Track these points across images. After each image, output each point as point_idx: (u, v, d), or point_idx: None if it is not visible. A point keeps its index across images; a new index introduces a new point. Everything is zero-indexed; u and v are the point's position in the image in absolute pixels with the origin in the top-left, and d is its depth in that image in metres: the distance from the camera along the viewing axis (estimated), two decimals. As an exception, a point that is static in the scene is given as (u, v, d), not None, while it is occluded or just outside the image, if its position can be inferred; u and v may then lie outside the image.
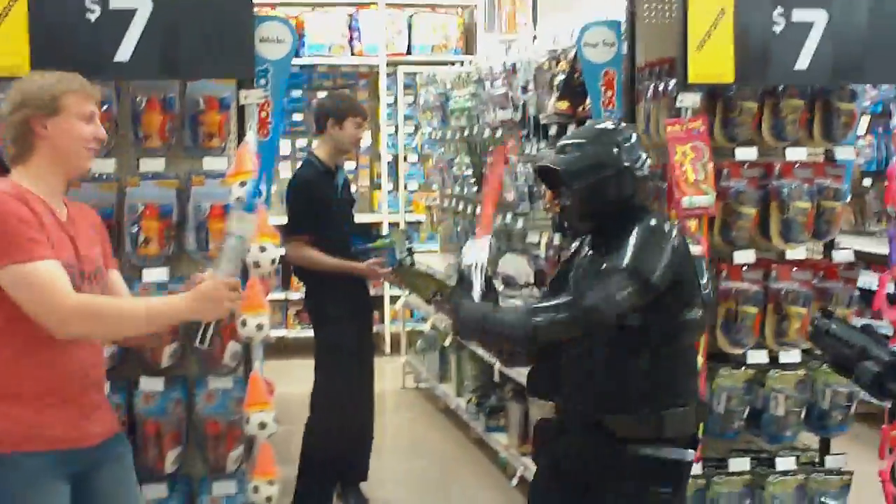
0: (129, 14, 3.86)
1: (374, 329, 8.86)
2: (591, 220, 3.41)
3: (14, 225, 2.88)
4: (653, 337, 3.24)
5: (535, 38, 6.43)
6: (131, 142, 4.05)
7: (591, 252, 3.42)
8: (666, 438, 3.26)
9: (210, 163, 4.06)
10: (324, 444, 5.39)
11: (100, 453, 3.07)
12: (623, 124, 3.69)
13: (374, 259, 5.43)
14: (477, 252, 3.51)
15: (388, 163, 9.38)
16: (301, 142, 9.23)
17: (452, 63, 8.06)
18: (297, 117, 9.44)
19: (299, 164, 6.03)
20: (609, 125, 3.59)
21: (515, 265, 6.16)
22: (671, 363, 3.30)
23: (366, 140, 9.04)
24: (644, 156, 3.38)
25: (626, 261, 3.16)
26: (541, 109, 5.71)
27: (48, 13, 3.84)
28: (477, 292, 3.41)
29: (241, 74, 4.02)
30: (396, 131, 9.55)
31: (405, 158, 9.49)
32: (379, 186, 9.38)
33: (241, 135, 4.12)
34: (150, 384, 3.99)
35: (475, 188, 7.10)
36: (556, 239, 5.69)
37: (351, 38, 9.58)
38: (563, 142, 3.48)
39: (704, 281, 3.39)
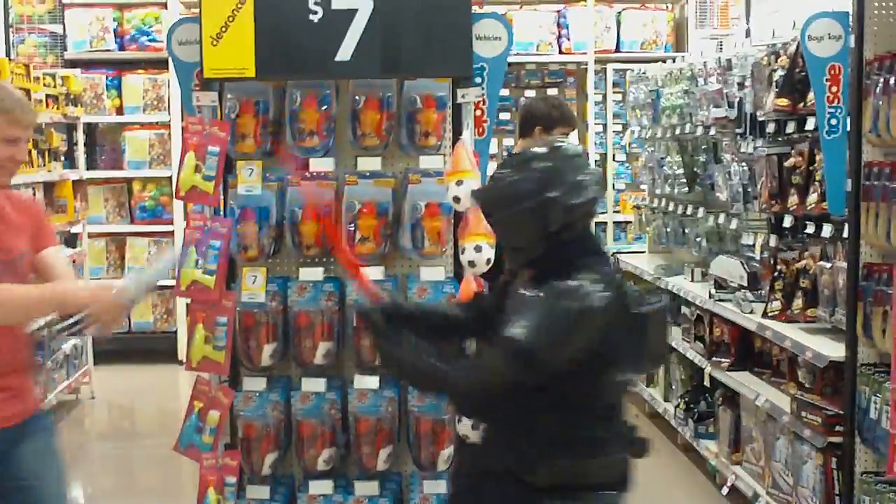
0: (350, 14, 3.91)
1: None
2: (520, 254, 3.14)
3: None
4: (569, 397, 3.00)
5: (748, 32, 6.22)
6: (349, 141, 4.10)
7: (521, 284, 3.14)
8: (588, 486, 3.06)
9: (426, 161, 4.07)
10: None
11: (18, 431, 3.31)
12: (564, 148, 3.17)
13: None
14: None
15: (595, 162, 9.27)
16: (507, 141, 9.21)
17: (663, 60, 7.89)
18: (504, 116, 9.42)
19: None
20: (540, 151, 3.15)
21: (728, 267, 5.98)
22: (591, 420, 3.05)
23: (573, 139, 8.94)
24: (585, 182, 3.03)
25: (517, 334, 2.90)
26: (758, 106, 5.52)
27: (273, 15, 3.93)
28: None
29: (459, 72, 4.02)
30: (604, 130, 9.44)
31: (613, 157, 9.37)
32: (585, 186, 9.27)
33: (456, 133, 4.13)
34: (365, 382, 4.02)
35: (685, 188, 6.94)
36: (773, 241, 5.50)
37: (559, 35, 9.52)
38: (496, 170, 3.23)
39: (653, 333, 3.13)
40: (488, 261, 3.87)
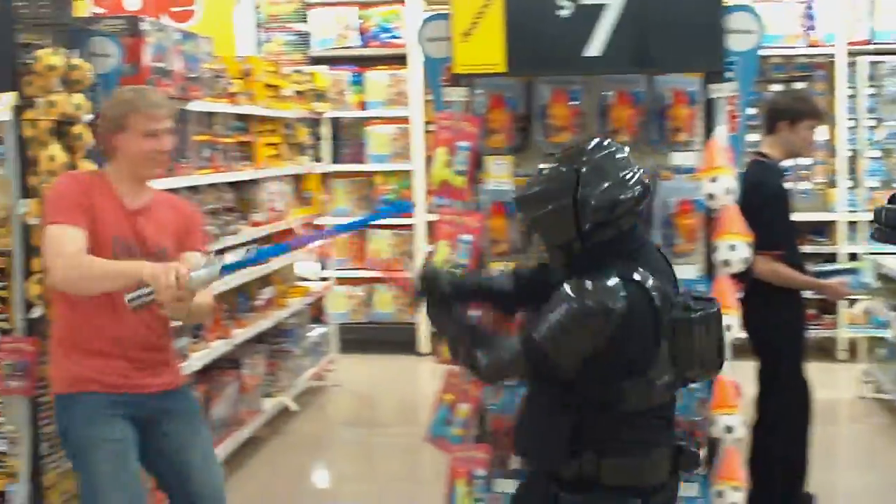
0: (599, 8, 3.87)
1: (829, 334, 8.56)
2: (556, 252, 3.08)
3: (56, 198, 3.59)
4: (591, 396, 2.96)
5: None
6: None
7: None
8: (608, 486, 2.98)
9: (677, 157, 3.99)
10: (778, 452, 5.17)
11: (157, 402, 3.72)
12: (602, 145, 3.05)
13: (839, 279, 5.15)
14: None
15: (847, 158, 8.88)
16: (753, 137, 8.93)
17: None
18: (750, 111, 9.12)
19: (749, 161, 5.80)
20: (577, 148, 3.06)
21: None
22: (612, 423, 2.97)
23: (822, 135, 8.59)
24: (621, 181, 2.94)
25: (535, 331, 2.93)
26: None
27: (523, 11, 3.93)
28: None
29: (712, 67, 3.93)
30: (856, 125, 9.03)
31: (865, 154, 8.95)
32: (835, 184, 8.90)
33: (707, 129, 4.02)
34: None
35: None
36: None
37: (807, 26, 9.17)
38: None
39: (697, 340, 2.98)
40: (744, 260, 3.75)
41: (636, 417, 2.99)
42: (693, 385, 3.89)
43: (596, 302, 2.85)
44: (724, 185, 3.71)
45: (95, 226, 3.58)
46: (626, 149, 3.10)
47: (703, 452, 3.88)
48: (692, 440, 3.86)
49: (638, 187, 2.99)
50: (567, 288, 2.91)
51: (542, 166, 3.14)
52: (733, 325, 3.72)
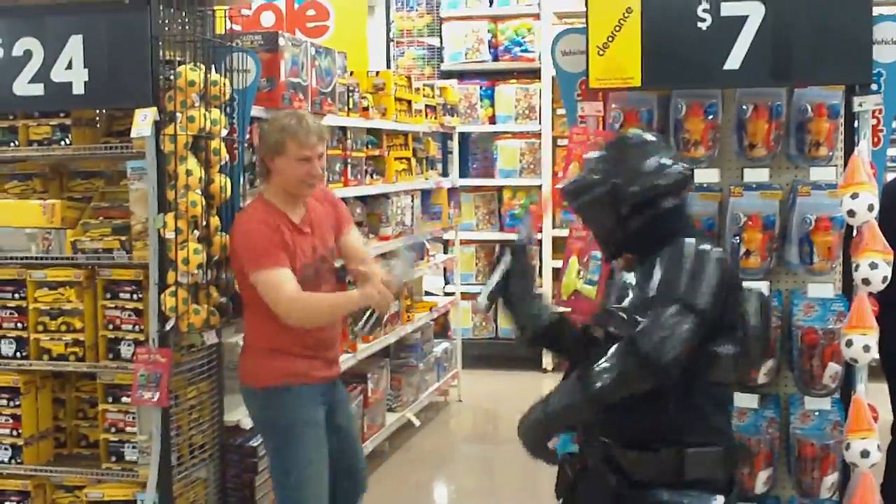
0: (740, 20, 3.79)
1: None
2: (603, 241, 3.22)
3: (262, 243, 4.00)
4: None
5: None
6: (735, 151, 3.97)
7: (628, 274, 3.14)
8: (689, 482, 2.95)
9: (817, 173, 3.89)
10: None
11: (332, 389, 4.32)
12: (633, 136, 3.27)
13: None
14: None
15: None
16: (894, 151, 8.65)
17: None
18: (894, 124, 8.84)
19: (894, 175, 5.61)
20: (621, 137, 3.30)
21: None
22: (694, 398, 2.98)
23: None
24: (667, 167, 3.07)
25: (672, 291, 2.88)
26: None
27: (661, 24, 3.88)
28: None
29: (857, 79, 3.80)
30: None
31: None
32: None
33: (848, 143, 3.91)
34: (745, 401, 3.89)
35: None
36: None
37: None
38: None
39: (753, 311, 3.11)
40: (884, 279, 3.63)
41: (710, 408, 3.05)
42: (825, 406, 3.83)
43: (707, 258, 2.94)
44: (865, 202, 3.59)
45: (288, 253, 4.03)
46: (666, 140, 3.34)
47: (834, 478, 3.77)
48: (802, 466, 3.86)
49: (678, 167, 3.11)
50: (669, 253, 2.96)
51: (587, 156, 3.31)
52: (871, 346, 3.59)
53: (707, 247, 2.98)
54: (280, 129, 4.06)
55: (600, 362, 2.89)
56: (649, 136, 3.25)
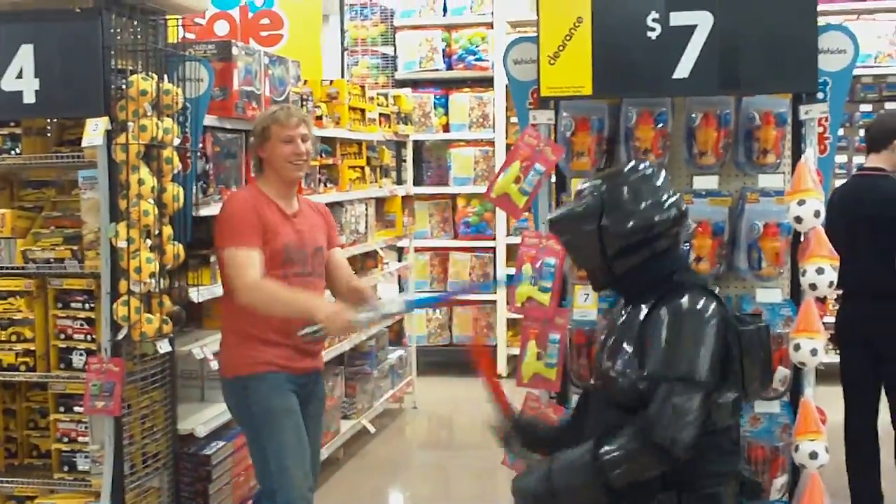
0: (689, 30, 3.84)
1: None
2: (592, 277, 3.08)
3: (230, 220, 4.13)
4: None
5: None
6: (685, 159, 4.02)
7: (624, 313, 3.01)
8: None
9: (765, 180, 3.95)
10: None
11: (310, 382, 4.36)
12: (634, 170, 3.04)
13: None
14: None
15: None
16: (840, 158, 8.80)
17: None
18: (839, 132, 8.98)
19: (841, 182, 5.72)
20: (614, 170, 3.09)
21: None
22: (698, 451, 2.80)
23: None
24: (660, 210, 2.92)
25: (674, 368, 2.76)
26: None
27: (611, 33, 3.92)
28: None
29: (803, 88, 3.87)
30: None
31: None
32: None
33: (795, 151, 3.97)
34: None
35: None
36: None
37: (898, 46, 9.00)
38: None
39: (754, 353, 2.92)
40: (830, 283, 3.69)
41: (711, 448, 2.88)
42: (774, 410, 3.89)
43: (705, 319, 2.82)
44: (812, 208, 3.65)
45: (267, 236, 4.12)
46: (664, 172, 3.07)
47: (783, 479, 3.83)
48: (753, 468, 3.83)
49: (672, 210, 2.96)
50: (668, 315, 2.84)
51: (579, 187, 3.13)
52: (819, 349, 3.66)
53: (702, 303, 2.86)
54: (265, 118, 4.30)
55: (612, 448, 2.81)
56: (647, 171, 3.03)
